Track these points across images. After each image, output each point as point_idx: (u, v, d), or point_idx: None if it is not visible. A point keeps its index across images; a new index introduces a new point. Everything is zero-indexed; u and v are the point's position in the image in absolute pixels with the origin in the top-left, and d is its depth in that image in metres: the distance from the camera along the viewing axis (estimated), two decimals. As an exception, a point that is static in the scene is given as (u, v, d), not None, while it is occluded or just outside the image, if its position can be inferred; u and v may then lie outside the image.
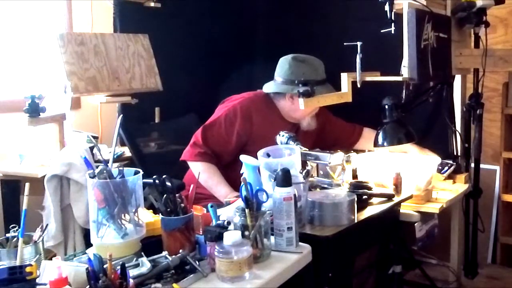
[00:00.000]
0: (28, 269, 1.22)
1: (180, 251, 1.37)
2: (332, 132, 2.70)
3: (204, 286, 1.32)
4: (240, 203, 1.51)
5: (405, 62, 2.14)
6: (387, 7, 2.11)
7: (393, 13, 2.11)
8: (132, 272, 1.27)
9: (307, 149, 2.06)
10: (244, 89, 2.61)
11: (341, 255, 1.79)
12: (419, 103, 2.46)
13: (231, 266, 1.31)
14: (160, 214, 1.46)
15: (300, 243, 1.55)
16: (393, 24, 2.10)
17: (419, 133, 2.44)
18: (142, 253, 1.41)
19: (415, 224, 2.11)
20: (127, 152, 2.79)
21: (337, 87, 2.27)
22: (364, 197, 1.93)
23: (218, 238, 1.36)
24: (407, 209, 2.12)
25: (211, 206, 1.49)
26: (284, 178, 1.52)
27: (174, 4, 3.25)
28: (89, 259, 1.20)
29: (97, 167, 1.45)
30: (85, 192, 2.05)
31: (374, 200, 1.98)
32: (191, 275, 1.32)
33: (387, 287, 2.22)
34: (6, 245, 1.50)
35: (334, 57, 2.50)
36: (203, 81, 3.34)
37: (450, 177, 2.47)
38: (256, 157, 1.84)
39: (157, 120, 3.24)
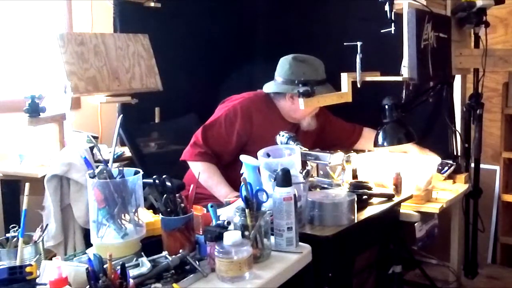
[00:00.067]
0: (28, 269, 1.22)
1: (180, 251, 1.37)
2: (332, 132, 2.70)
3: (204, 286, 1.32)
4: (240, 203, 1.51)
5: (405, 62, 2.14)
6: (387, 7, 2.11)
7: (393, 13, 2.11)
8: (132, 272, 1.27)
9: (307, 149, 2.06)
10: (244, 89, 2.61)
11: (341, 255, 1.79)
12: (419, 103, 2.46)
13: (231, 266, 1.31)
14: (160, 214, 1.46)
15: (300, 243, 1.55)
16: (393, 24, 2.09)
17: (419, 133, 2.44)
18: (142, 253, 1.41)
19: (415, 224, 2.11)
20: (127, 152, 2.79)
21: (337, 87, 2.27)
22: (364, 197, 1.93)
23: (218, 238, 1.36)
24: (407, 209, 2.12)
25: (211, 206, 1.49)
26: (284, 178, 1.52)
27: (174, 4, 3.25)
28: (89, 259, 1.20)
29: (97, 167, 1.45)
30: (85, 192, 2.05)
31: (374, 200, 1.98)
32: (191, 275, 1.32)
33: (387, 287, 2.22)
34: (6, 245, 1.50)
35: (334, 57, 2.50)
36: (203, 81, 3.34)
37: (450, 177, 2.47)
38: (256, 157, 1.84)
39: (157, 120, 3.24)
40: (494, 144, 3.20)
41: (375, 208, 1.93)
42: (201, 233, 1.45)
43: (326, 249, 1.66)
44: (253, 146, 2.24)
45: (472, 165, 2.64)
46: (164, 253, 1.37)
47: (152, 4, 3.18)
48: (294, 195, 1.52)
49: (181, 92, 3.24)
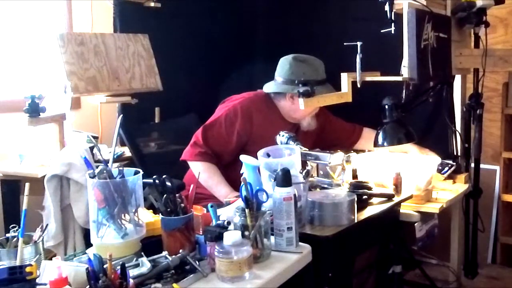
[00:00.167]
0: (28, 269, 1.22)
1: (180, 251, 1.37)
2: (332, 132, 2.70)
3: (204, 286, 1.32)
4: (240, 203, 1.51)
5: (405, 62, 2.14)
6: (387, 7, 2.11)
7: (393, 13, 2.11)
8: (132, 272, 1.27)
9: (307, 149, 2.06)
10: (244, 89, 2.61)
11: (341, 255, 1.79)
12: (419, 103, 2.46)
13: (231, 266, 1.31)
14: (160, 214, 1.46)
15: (300, 243, 1.55)
16: (393, 24, 2.09)
17: (419, 133, 2.44)
18: (142, 253, 1.41)
19: (415, 224, 2.11)
20: (127, 152, 2.79)
21: (337, 87, 2.27)
22: (364, 197, 1.93)
23: (218, 238, 1.36)
24: (407, 209, 2.12)
25: (211, 206, 1.49)
26: (284, 178, 1.52)
27: (174, 4, 3.25)
28: (89, 259, 1.20)
29: (97, 167, 1.45)
30: (85, 192, 2.04)
31: (374, 200, 1.98)
32: (191, 275, 1.32)
33: (387, 287, 2.23)
34: (6, 245, 1.50)
35: (334, 57, 2.50)
36: (203, 81, 3.34)
37: (450, 177, 2.47)
38: (256, 157, 1.84)
39: (157, 120, 3.24)
40: (494, 144, 3.21)
41: (375, 208, 1.93)
42: (201, 233, 1.45)
43: (326, 249, 1.66)
44: (253, 146, 2.24)
45: (472, 165, 2.64)
46: (164, 253, 1.37)
47: (152, 4, 3.18)
48: (294, 195, 1.52)
49: (181, 92, 3.24)
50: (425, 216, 2.16)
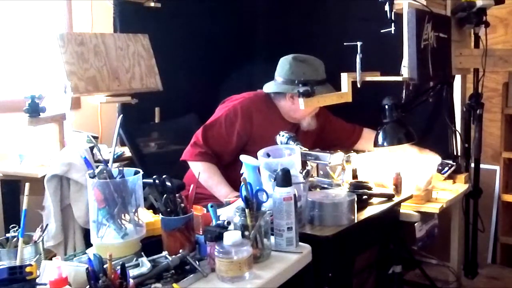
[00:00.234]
0: (28, 269, 1.22)
1: (180, 251, 1.37)
2: (332, 132, 2.70)
3: (204, 286, 1.32)
4: (240, 203, 1.51)
5: (405, 62, 2.14)
6: (387, 7, 2.10)
7: (393, 13, 2.11)
8: (132, 272, 1.27)
9: (307, 149, 2.06)
10: (244, 89, 2.60)
11: (341, 255, 1.79)
12: (419, 103, 2.46)
13: (231, 266, 1.31)
14: (160, 214, 1.46)
15: (300, 243, 1.55)
16: (393, 24, 2.09)
17: (419, 133, 2.44)
18: (142, 253, 1.41)
19: (415, 224, 2.11)
20: (127, 152, 2.79)
21: (337, 87, 2.27)
22: (364, 197, 1.93)
23: (218, 238, 1.36)
24: (407, 209, 2.12)
25: (211, 206, 1.49)
26: (284, 178, 1.52)
27: (174, 4, 3.25)
28: (89, 259, 1.20)
29: (97, 167, 1.45)
30: (85, 192, 2.05)
31: (374, 200, 1.98)
32: (191, 275, 1.32)
33: (387, 287, 2.22)
34: (6, 245, 1.50)
35: (334, 57, 2.50)
36: (203, 81, 3.34)
37: (450, 177, 2.46)
38: (256, 157, 1.84)
39: (157, 120, 3.24)
40: (494, 144, 3.21)
41: (375, 208, 1.93)
42: (201, 233, 1.45)
43: (326, 249, 1.66)
44: (253, 146, 2.24)
45: (472, 165, 2.64)
46: (164, 253, 1.37)
47: (152, 4, 3.18)
48: (294, 195, 1.52)
49: (181, 92, 3.24)
50: (425, 216, 2.16)
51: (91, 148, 2.37)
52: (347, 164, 1.98)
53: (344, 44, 2.12)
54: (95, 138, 2.92)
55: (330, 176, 2.01)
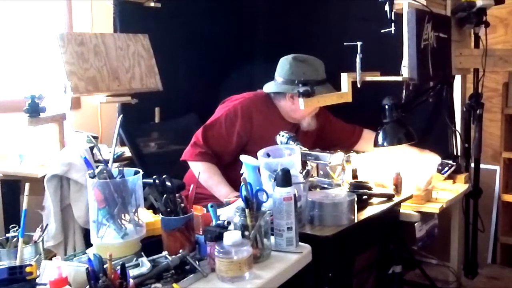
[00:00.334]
0: (28, 269, 1.22)
1: (180, 251, 1.37)
2: (332, 132, 2.70)
3: (204, 286, 1.32)
4: (240, 203, 1.51)
5: (405, 62, 2.14)
6: (387, 7, 2.11)
7: (393, 13, 2.11)
8: (132, 272, 1.27)
9: (307, 149, 2.06)
10: (244, 89, 2.60)
11: (341, 255, 1.79)
12: (419, 103, 2.46)
13: (231, 266, 1.31)
14: (160, 214, 1.46)
15: (300, 243, 1.55)
16: (393, 24, 2.09)
17: (419, 133, 2.44)
18: (142, 253, 1.41)
19: (415, 224, 2.11)
20: (127, 152, 2.79)
21: (337, 87, 2.27)
22: (364, 197, 1.93)
23: (218, 238, 1.36)
24: (407, 209, 2.12)
25: (211, 206, 1.49)
26: (284, 178, 1.52)
27: (174, 4, 3.25)
28: (89, 259, 1.20)
29: (97, 167, 1.45)
30: (85, 192, 2.05)
31: (374, 200, 1.98)
32: (191, 275, 1.32)
33: (387, 287, 2.22)
34: (6, 245, 1.50)
35: (334, 57, 2.50)
36: (203, 81, 3.34)
37: (450, 177, 2.47)
38: (256, 157, 1.84)
39: (157, 120, 3.24)
40: (494, 144, 3.21)
41: (375, 208, 1.93)
42: (201, 233, 1.45)
43: (326, 249, 1.66)
44: (253, 146, 2.24)
45: (472, 165, 2.64)
46: (164, 253, 1.37)
47: (152, 4, 3.18)
48: (294, 195, 1.52)
49: (181, 92, 3.24)
50: (425, 216, 2.16)
51: (91, 148, 2.37)
52: (347, 164, 1.98)
53: (344, 44, 2.12)
54: (95, 138, 2.92)
55: (330, 176, 2.01)
